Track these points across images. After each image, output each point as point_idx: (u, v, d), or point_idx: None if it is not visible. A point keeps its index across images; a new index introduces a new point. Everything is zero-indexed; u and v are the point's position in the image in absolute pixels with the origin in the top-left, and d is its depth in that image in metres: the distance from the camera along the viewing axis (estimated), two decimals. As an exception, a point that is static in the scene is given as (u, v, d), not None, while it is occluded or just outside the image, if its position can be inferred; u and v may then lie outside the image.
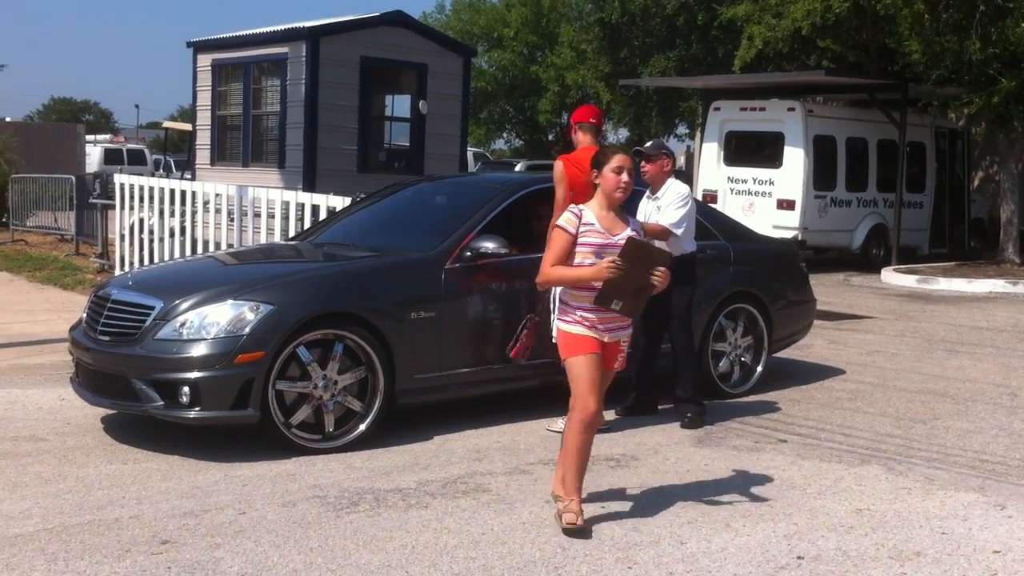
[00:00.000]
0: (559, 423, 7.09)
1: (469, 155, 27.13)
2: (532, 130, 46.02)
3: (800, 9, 20.81)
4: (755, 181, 18.95)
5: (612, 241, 5.19)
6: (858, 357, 10.29)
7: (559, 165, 7.12)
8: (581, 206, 5.33)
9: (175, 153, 37.86)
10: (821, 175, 18.70)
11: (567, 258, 5.21)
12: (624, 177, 5.26)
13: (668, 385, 7.63)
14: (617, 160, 5.29)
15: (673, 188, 7.50)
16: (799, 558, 4.87)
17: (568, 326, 5.21)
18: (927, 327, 12.49)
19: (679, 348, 7.55)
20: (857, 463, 6.54)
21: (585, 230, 5.20)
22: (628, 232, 5.24)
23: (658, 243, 7.32)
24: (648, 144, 7.63)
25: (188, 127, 19.25)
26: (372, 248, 7.63)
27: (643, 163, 7.47)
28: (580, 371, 5.14)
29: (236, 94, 16.19)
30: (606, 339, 5.20)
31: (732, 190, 19.21)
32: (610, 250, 5.14)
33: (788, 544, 5.04)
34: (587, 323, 5.17)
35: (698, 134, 26.20)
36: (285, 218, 10.75)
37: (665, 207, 7.40)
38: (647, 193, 7.60)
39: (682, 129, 38.36)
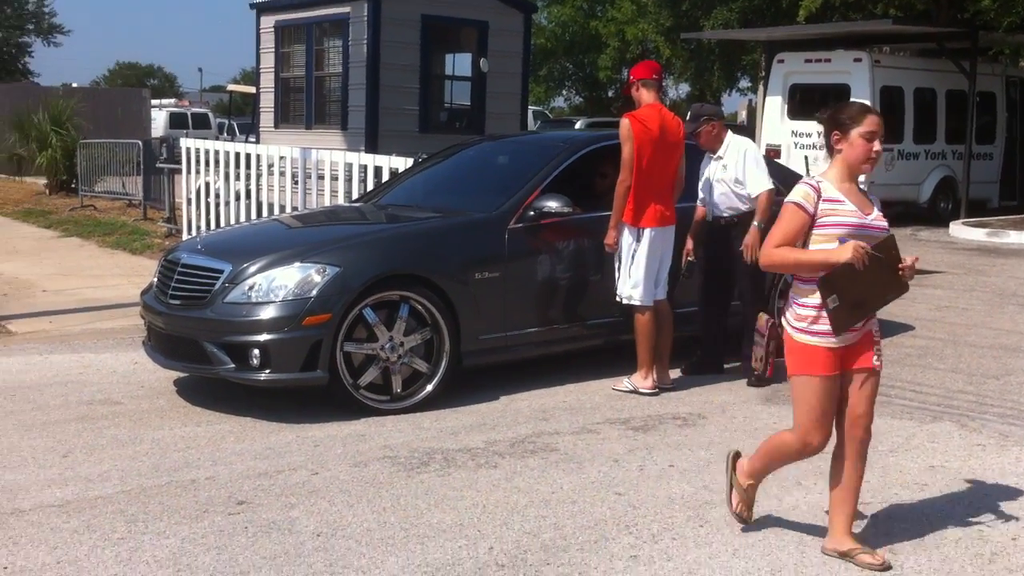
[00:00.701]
0: (624, 382, 7.11)
1: (529, 113, 27.03)
2: (592, 87, 45.72)
3: (867, -43, 20.41)
4: (820, 135, 18.54)
5: (867, 222, 4.25)
6: (927, 313, 10.14)
7: (626, 123, 7.04)
8: (818, 177, 4.38)
9: (239, 116, 38.13)
10: (888, 127, 18.20)
11: (799, 241, 4.26)
12: (876, 146, 4.36)
13: (734, 343, 7.58)
14: (869, 123, 4.37)
15: (735, 146, 7.44)
16: (873, 516, 4.83)
17: (800, 335, 4.28)
18: (998, 281, 12.26)
19: (749, 304, 7.48)
20: (929, 420, 6.46)
21: (829, 208, 4.24)
22: (877, 213, 4.33)
23: (730, 201, 7.31)
24: (688, 122, 7.48)
25: (252, 90, 19.38)
26: (435, 209, 7.65)
27: (692, 136, 7.42)
28: (806, 395, 4.28)
29: (299, 56, 16.23)
30: (852, 340, 4.26)
31: (796, 144, 18.94)
32: (867, 233, 4.21)
33: (860, 502, 4.99)
34: (824, 330, 4.22)
35: (760, 87, 25.85)
36: (348, 180, 10.80)
37: (742, 172, 7.31)
38: (708, 154, 7.53)
39: (744, 83, 37.85)
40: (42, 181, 23.10)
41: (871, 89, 18.01)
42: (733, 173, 7.35)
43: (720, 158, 7.44)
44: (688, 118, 7.53)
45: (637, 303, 7.02)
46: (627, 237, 7.06)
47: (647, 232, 7.00)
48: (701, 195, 7.59)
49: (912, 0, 22.42)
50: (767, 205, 7.13)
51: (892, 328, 9.36)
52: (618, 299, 7.14)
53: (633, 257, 7.04)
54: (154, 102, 40.36)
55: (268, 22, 16.41)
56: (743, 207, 7.38)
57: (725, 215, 7.43)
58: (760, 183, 7.30)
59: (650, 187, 6.99)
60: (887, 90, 18.34)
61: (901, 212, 19.43)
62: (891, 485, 5.26)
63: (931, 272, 12.98)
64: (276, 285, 6.40)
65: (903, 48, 22.19)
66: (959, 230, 17.47)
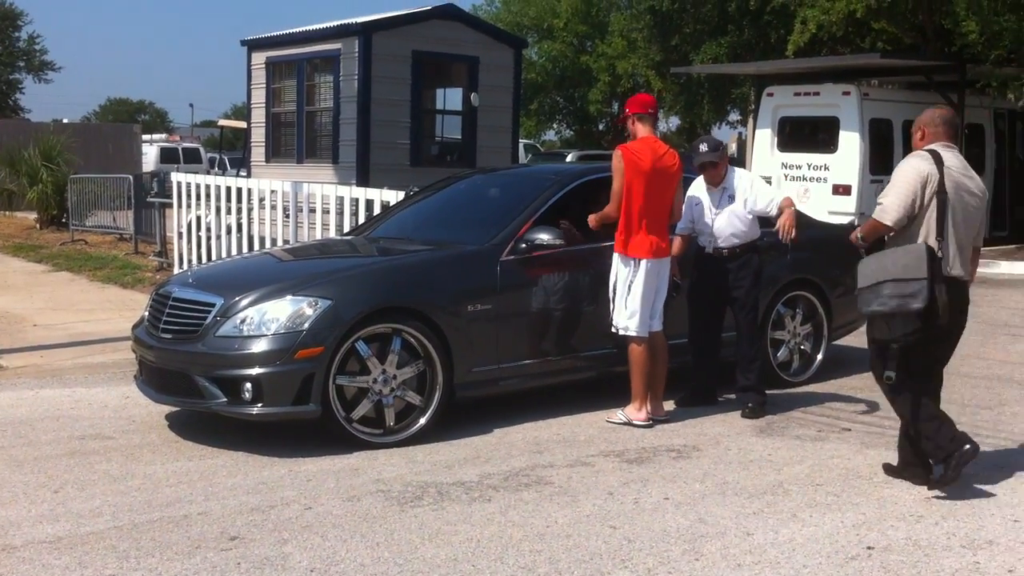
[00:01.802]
0: (618, 414, 7.09)
1: (520, 147, 27.09)
2: (582, 120, 45.87)
3: (854, -9, 20.56)
4: (810, 167, 18.74)
5: None
6: (920, 343, 10.11)
7: (618, 154, 7.07)
8: None
9: (230, 151, 38.20)
10: (878, 159, 18.43)
11: None
12: None
13: (726, 375, 7.57)
14: None
15: (739, 176, 7.52)
16: (869, 548, 4.80)
17: None
18: (989, 312, 12.28)
19: (745, 335, 7.48)
20: (924, 451, 6.43)
21: None
22: None
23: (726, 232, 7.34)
24: (706, 151, 7.46)
25: (243, 125, 19.42)
26: (427, 242, 7.64)
27: (708, 167, 7.44)
28: None
29: (290, 91, 16.32)
30: None
31: (786, 176, 19.00)
32: None
33: (857, 534, 4.98)
34: None
35: (750, 120, 25.97)
36: (340, 213, 10.81)
37: (753, 197, 7.37)
38: (704, 185, 7.53)
39: (734, 116, 38.08)
40: (32, 216, 23.06)
41: (860, 121, 18.11)
42: (746, 204, 7.38)
43: (725, 189, 7.45)
44: (705, 150, 7.45)
45: (633, 334, 7.01)
46: (622, 268, 7.06)
47: (643, 264, 7.00)
48: (686, 226, 7.56)
49: (899, 34, 22.58)
50: (789, 211, 7.25)
51: (885, 359, 9.34)
52: (614, 330, 7.12)
53: (629, 288, 7.03)
54: (145, 137, 40.43)
55: (259, 58, 16.50)
56: (747, 239, 7.42)
57: (727, 246, 7.43)
58: (777, 193, 7.57)
59: (643, 219, 6.99)
60: (876, 122, 18.44)
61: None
62: (887, 517, 5.24)
63: (922, 303, 12.99)
64: (268, 318, 6.38)
65: (891, 81, 22.34)
66: (950, 261, 17.47)
